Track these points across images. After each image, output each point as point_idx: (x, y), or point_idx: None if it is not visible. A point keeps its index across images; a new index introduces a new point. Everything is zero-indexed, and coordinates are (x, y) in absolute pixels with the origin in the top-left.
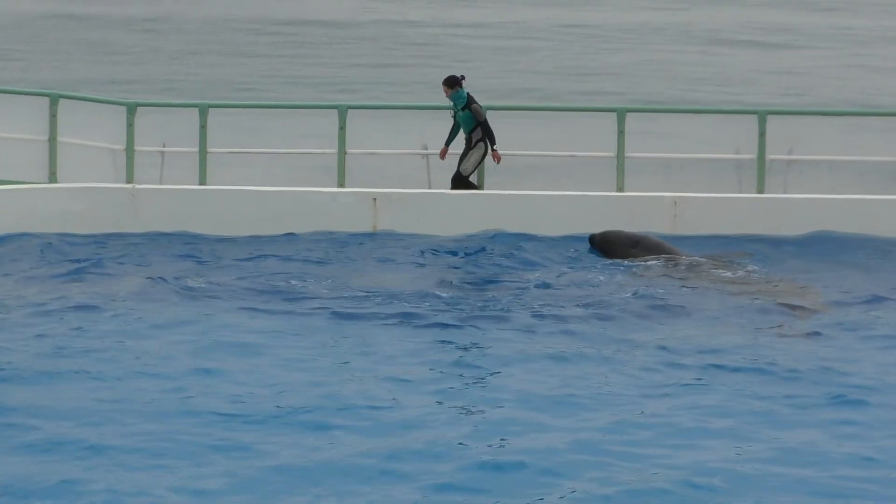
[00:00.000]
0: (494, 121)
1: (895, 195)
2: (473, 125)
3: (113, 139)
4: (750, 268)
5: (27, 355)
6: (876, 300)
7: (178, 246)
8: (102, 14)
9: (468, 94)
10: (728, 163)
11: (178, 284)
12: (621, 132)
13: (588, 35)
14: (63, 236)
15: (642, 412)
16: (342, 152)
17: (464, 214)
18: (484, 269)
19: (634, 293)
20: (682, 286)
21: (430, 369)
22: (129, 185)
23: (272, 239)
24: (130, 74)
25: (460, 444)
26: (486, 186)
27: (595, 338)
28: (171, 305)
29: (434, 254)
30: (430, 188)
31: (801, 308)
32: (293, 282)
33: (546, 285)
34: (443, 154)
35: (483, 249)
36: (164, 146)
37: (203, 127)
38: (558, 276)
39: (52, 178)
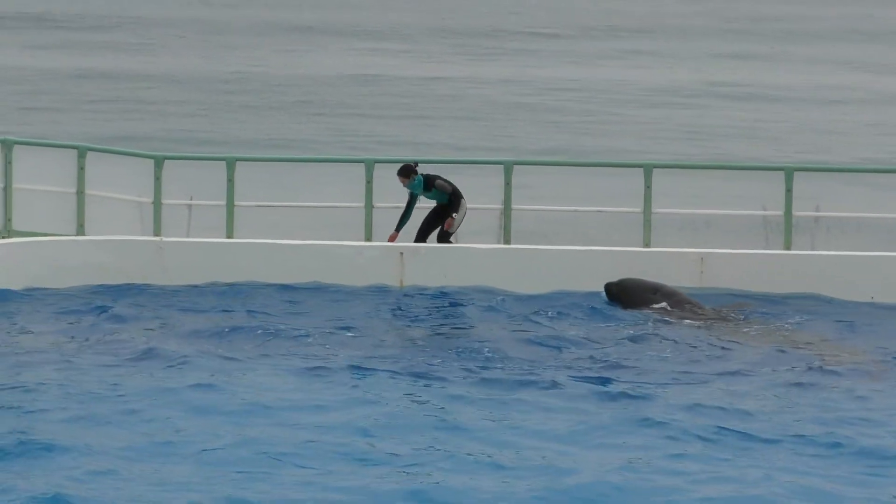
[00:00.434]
0: (521, 176)
1: None
2: (447, 197)
3: (140, 192)
4: (761, 320)
5: (52, 406)
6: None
7: (204, 299)
8: (130, 70)
9: (423, 176)
10: (755, 219)
11: (203, 337)
12: (648, 188)
13: (613, 92)
14: (90, 288)
15: (674, 468)
16: (369, 206)
17: (490, 269)
18: (510, 325)
19: (666, 347)
20: (714, 338)
21: (457, 428)
22: (157, 238)
23: (299, 292)
24: (158, 129)
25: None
26: (513, 241)
27: (630, 394)
28: (196, 358)
29: (459, 309)
30: (457, 242)
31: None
32: (317, 337)
33: (574, 341)
34: (392, 239)
35: (510, 304)
36: (191, 199)
37: (230, 180)
38: (586, 332)
39: (80, 230)
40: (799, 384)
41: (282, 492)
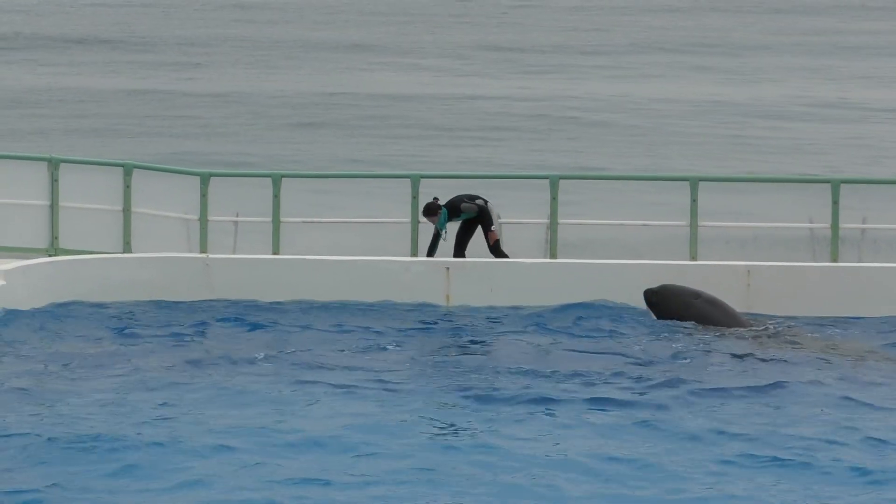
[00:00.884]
0: (567, 191)
1: None
2: (475, 216)
3: (187, 209)
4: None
5: (99, 422)
6: None
7: (250, 315)
8: (174, 89)
9: (446, 206)
10: (802, 232)
11: (250, 354)
12: (694, 201)
13: (658, 107)
14: (137, 305)
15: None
16: (415, 221)
17: (537, 284)
18: (557, 341)
19: (717, 362)
20: (762, 350)
21: (503, 445)
22: (203, 255)
23: (345, 308)
24: (205, 149)
25: None
26: (559, 256)
27: (683, 411)
28: (242, 375)
29: (506, 324)
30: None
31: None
32: (363, 354)
33: (622, 357)
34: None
35: (557, 320)
36: (237, 216)
37: (276, 196)
38: (634, 347)
39: (127, 247)
40: (842, 398)
41: None
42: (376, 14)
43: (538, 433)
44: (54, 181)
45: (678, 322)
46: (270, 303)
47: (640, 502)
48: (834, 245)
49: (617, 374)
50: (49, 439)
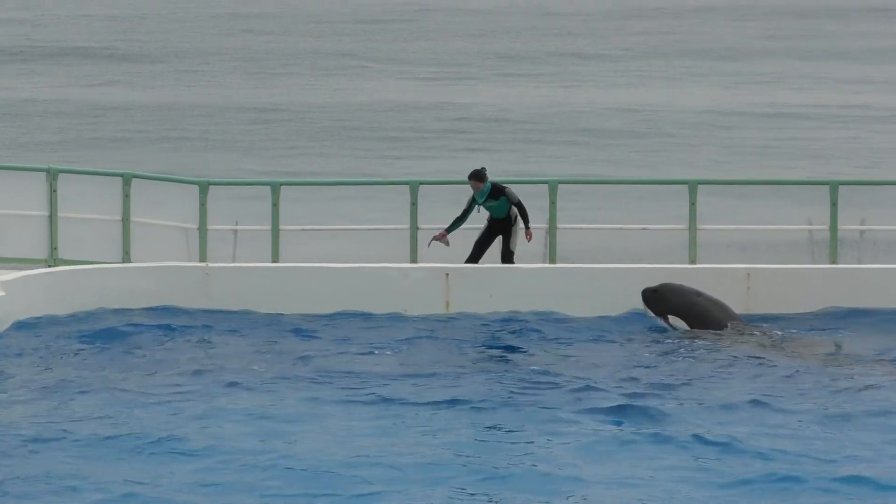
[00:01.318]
0: (566, 197)
1: None
2: (508, 207)
3: (186, 218)
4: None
5: (99, 432)
6: None
7: (250, 324)
8: (170, 102)
9: (491, 183)
10: (801, 234)
11: (249, 362)
12: (693, 204)
13: (655, 112)
14: (136, 314)
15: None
16: (414, 228)
17: (536, 289)
18: (558, 347)
19: (716, 366)
20: (766, 355)
21: (505, 454)
22: (203, 264)
23: (345, 316)
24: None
25: None
26: (558, 261)
27: (683, 417)
28: (242, 383)
29: (506, 331)
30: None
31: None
32: (362, 360)
33: (627, 362)
34: (441, 236)
35: (557, 325)
36: (236, 224)
37: (275, 205)
38: (637, 351)
39: (126, 257)
40: (842, 400)
41: None
42: (367, 22)
43: (538, 439)
44: (53, 191)
45: (678, 322)
46: (270, 310)
47: None
48: (833, 247)
49: (621, 381)
50: (49, 449)
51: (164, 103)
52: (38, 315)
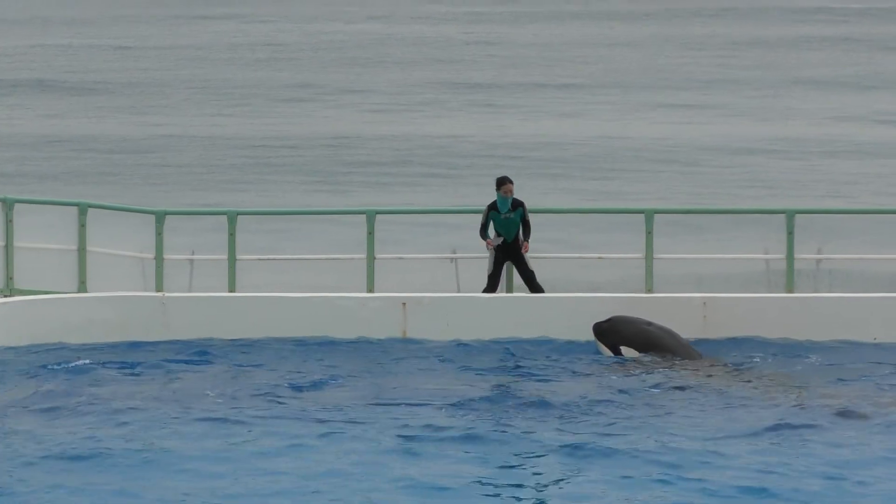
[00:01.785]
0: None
1: None
2: (518, 226)
3: (142, 248)
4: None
5: (49, 460)
6: None
7: (206, 353)
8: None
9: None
10: (757, 263)
11: (205, 392)
12: (649, 233)
13: (612, 142)
14: (93, 345)
15: None
16: (371, 257)
17: (493, 318)
18: (513, 376)
19: (656, 396)
20: (712, 385)
21: (451, 481)
22: (159, 294)
23: (301, 345)
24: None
25: None
26: (515, 290)
27: (628, 442)
28: (197, 414)
29: (461, 359)
30: (459, 292)
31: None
32: (317, 391)
33: (578, 390)
34: (490, 243)
35: (513, 354)
36: (193, 254)
37: (232, 234)
38: (591, 381)
39: (82, 287)
40: (784, 431)
41: None
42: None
43: (491, 468)
44: (8, 221)
45: (630, 353)
46: (227, 340)
47: None
48: (789, 276)
49: (574, 409)
50: (3, 480)
51: (120, 135)
52: None
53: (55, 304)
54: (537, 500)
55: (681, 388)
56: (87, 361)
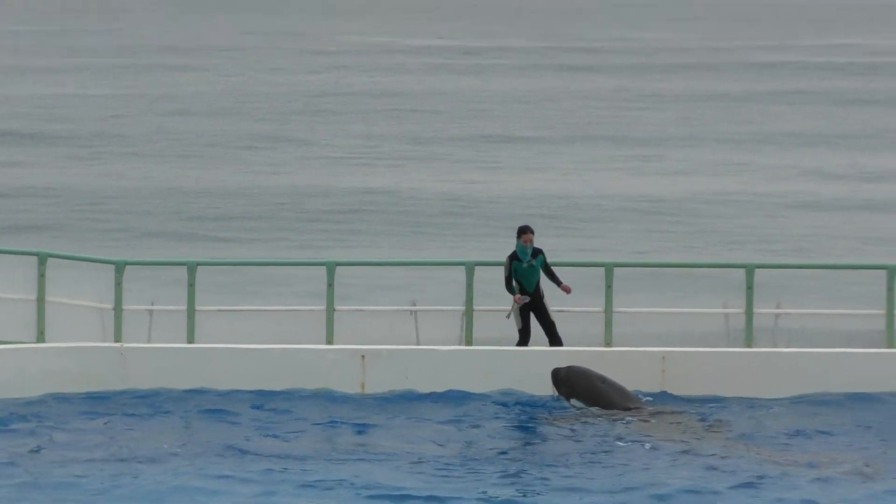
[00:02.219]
0: (483, 277)
1: (884, 349)
2: (539, 275)
3: (101, 298)
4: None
5: None
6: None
7: (164, 405)
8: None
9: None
10: (716, 317)
11: (163, 444)
12: (609, 287)
13: (567, 202)
14: (51, 396)
15: None
16: (331, 309)
17: (452, 370)
18: (471, 428)
19: (617, 451)
20: (659, 439)
21: None
22: (118, 344)
23: (260, 397)
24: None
25: None
26: (475, 343)
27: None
28: (154, 464)
29: (421, 412)
30: (418, 344)
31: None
32: (276, 442)
33: (533, 442)
34: (518, 300)
35: (472, 407)
36: (152, 304)
37: (191, 285)
38: (544, 434)
39: (41, 337)
40: (740, 486)
41: None
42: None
43: None
44: None
45: (584, 405)
46: (185, 391)
47: None
48: (748, 331)
49: (530, 461)
50: None
51: (80, 184)
52: None
53: (13, 355)
54: None
55: (625, 441)
56: (45, 411)
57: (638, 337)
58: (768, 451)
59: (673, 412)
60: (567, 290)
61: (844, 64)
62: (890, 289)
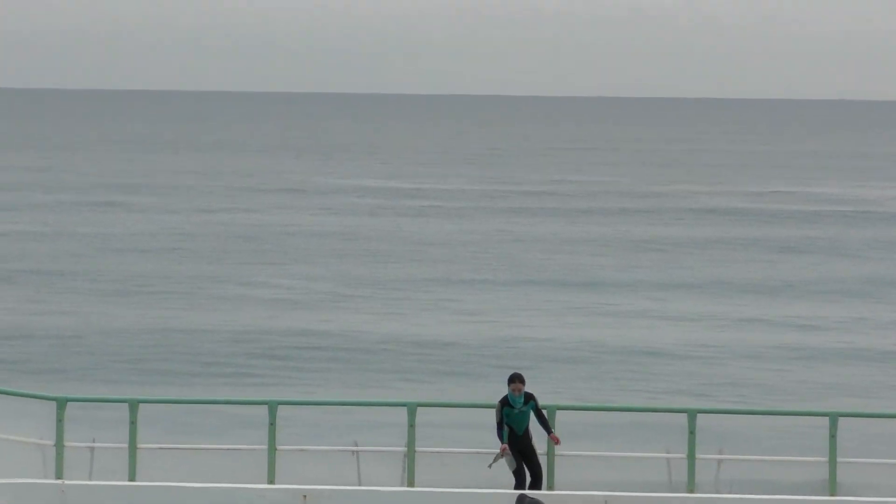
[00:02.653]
0: (427, 418)
1: (826, 496)
2: (529, 419)
3: (42, 434)
4: None
5: None
6: None
7: None
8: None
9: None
10: (658, 462)
11: None
12: (551, 430)
13: (517, 341)
14: None
15: None
16: (272, 449)
17: None
18: None
19: None
20: None
21: None
22: (59, 481)
23: None
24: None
25: None
26: (418, 484)
27: None
28: None
29: None
30: (360, 485)
31: None
32: None
33: None
34: (504, 450)
35: None
36: (93, 441)
37: (133, 422)
38: None
39: None
40: None
41: None
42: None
43: None
44: None
45: None
46: None
47: None
48: (690, 476)
49: None
50: None
51: (17, 325)
52: None
53: None
54: None
55: None
56: None
57: (580, 481)
58: None
59: None
60: (556, 441)
61: (784, 211)
62: (832, 436)
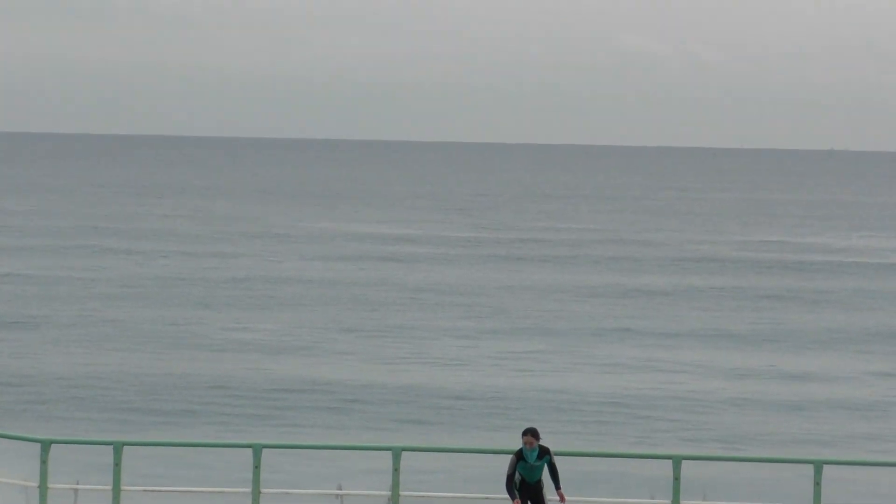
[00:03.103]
0: (409, 465)
1: None
2: (542, 471)
3: (26, 476)
4: None
5: None
6: None
7: None
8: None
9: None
10: None
11: None
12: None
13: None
14: None
15: None
16: (256, 492)
17: None
18: None
19: None
20: None
21: None
22: None
23: None
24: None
25: None
26: None
27: None
28: None
29: None
30: None
31: None
32: None
33: None
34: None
35: None
36: (77, 483)
37: (117, 465)
38: None
39: None
40: None
41: None
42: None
43: None
44: None
45: None
46: None
47: None
48: None
49: None
50: None
51: (1, 367)
52: None
53: None
54: None
55: None
56: None
57: None
58: None
59: None
60: (562, 499)
61: (771, 260)
62: (817, 483)
